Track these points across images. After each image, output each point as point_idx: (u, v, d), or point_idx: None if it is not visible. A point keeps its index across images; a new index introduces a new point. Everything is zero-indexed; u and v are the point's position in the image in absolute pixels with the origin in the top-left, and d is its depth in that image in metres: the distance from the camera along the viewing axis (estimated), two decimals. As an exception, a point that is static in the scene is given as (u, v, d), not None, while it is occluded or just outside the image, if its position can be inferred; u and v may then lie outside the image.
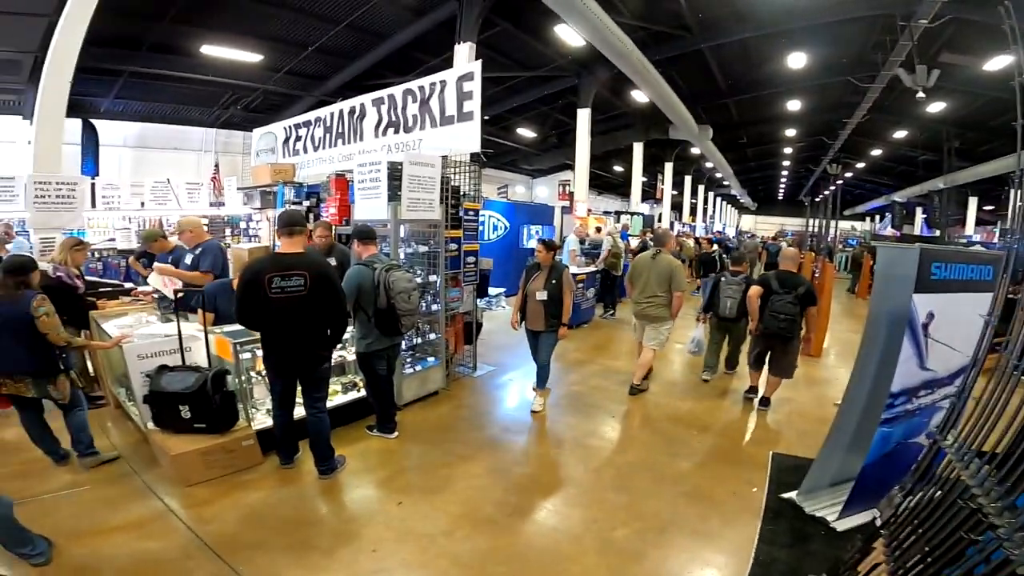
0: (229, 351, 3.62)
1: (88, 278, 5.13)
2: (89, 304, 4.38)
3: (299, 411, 3.67)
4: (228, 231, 8.91)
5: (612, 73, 11.66)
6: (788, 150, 23.77)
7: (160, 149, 12.75)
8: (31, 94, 10.01)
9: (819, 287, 7.17)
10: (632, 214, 16.90)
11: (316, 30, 9.99)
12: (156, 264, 4.68)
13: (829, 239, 11.28)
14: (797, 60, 11.59)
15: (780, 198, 42.36)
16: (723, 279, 5.73)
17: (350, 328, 3.89)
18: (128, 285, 5.27)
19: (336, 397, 4.34)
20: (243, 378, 3.75)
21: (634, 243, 11.64)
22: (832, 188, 13.81)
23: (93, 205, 8.78)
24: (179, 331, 3.64)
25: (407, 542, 2.88)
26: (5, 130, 10.85)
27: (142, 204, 8.78)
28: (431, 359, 5.08)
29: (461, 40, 9.36)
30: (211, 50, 10.08)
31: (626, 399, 5.22)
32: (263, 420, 3.82)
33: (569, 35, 9.91)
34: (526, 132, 18.65)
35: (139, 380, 3.56)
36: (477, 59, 6.71)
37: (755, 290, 4.89)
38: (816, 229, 12.16)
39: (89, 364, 4.54)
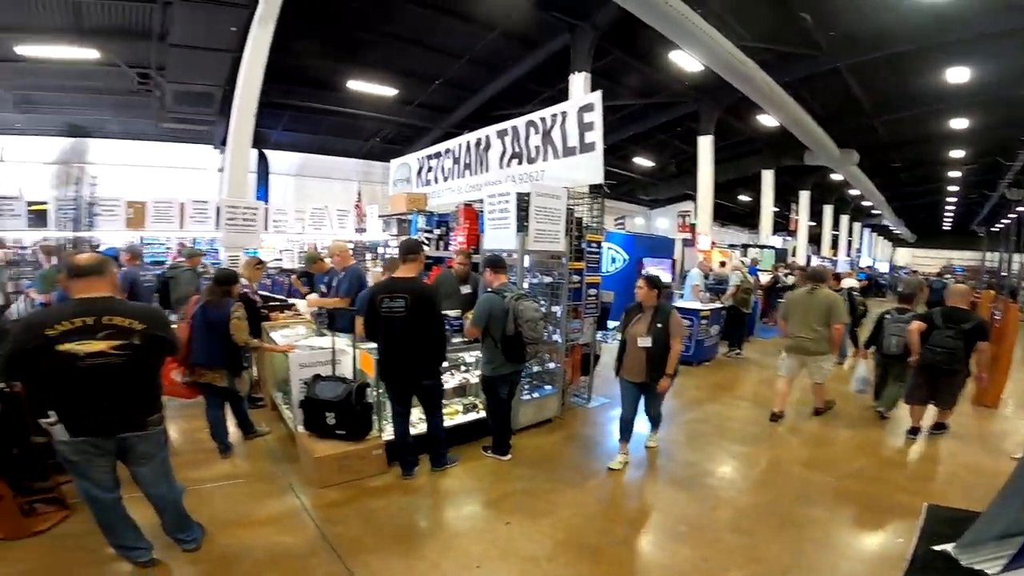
0: (372, 366, 3.96)
1: (260, 292, 5.93)
2: (263, 316, 5.07)
3: (423, 427, 4.01)
4: (368, 255, 9.84)
5: (735, 97, 11.15)
6: (954, 173, 20.58)
7: (315, 178, 14.52)
8: (221, 125, 11.85)
9: (1000, 331, 6.19)
10: (762, 247, 15.76)
11: (442, 64, 10.71)
12: (308, 298, 5.36)
13: (1011, 275, 9.56)
14: (958, 75, 10.21)
15: (946, 228, 36.89)
16: (888, 316, 5.32)
17: (476, 353, 4.10)
18: (291, 301, 6.02)
19: (456, 416, 4.57)
20: (379, 391, 4.09)
21: (765, 278, 10.83)
22: (1013, 216, 11.72)
23: (265, 228, 10.18)
24: (332, 346, 4.09)
25: (511, 562, 2.94)
26: (197, 158, 12.96)
27: (303, 228, 10.05)
28: (548, 387, 5.17)
29: (576, 70, 9.54)
30: (355, 85, 11.22)
31: (750, 438, 4.93)
32: (391, 433, 4.07)
33: (686, 61, 9.71)
34: (643, 161, 18.36)
35: (298, 386, 4.03)
36: (594, 88, 6.72)
37: (916, 325, 4.66)
38: (994, 264, 10.37)
39: (254, 369, 5.21)
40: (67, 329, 2.27)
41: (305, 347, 4.37)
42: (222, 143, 12.74)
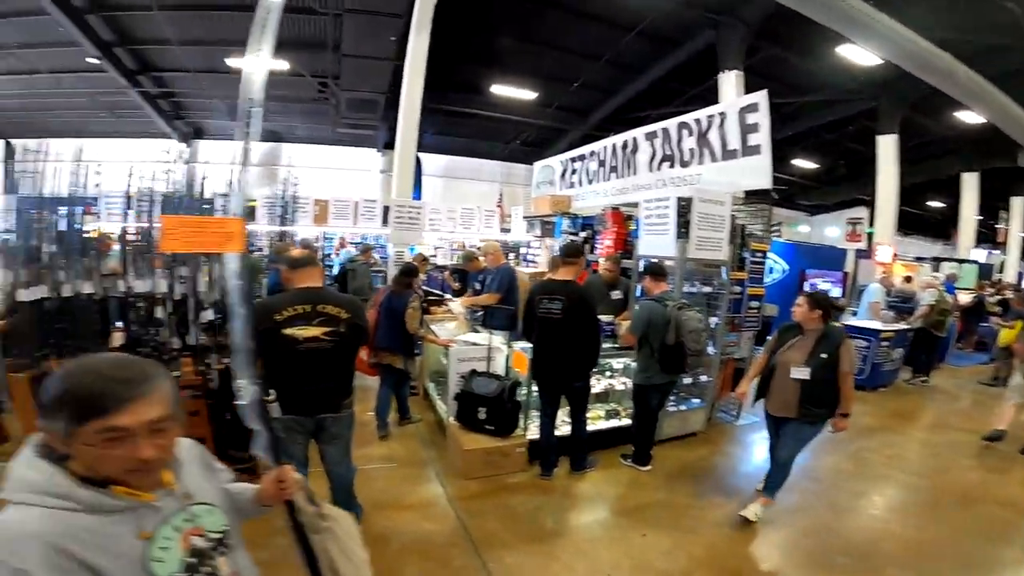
0: (524, 366, 4.08)
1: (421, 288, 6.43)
2: (425, 310, 5.46)
3: (564, 430, 4.03)
4: (511, 255, 10.14)
5: (923, 92, 9.52)
6: None
7: (462, 179, 15.39)
8: (383, 129, 13.08)
9: None
10: (961, 261, 13.35)
11: (580, 67, 10.63)
12: (462, 299, 5.63)
13: None
14: None
15: None
16: None
17: (625, 359, 4.02)
18: (447, 296, 6.43)
19: (598, 422, 4.53)
20: (528, 390, 4.19)
21: (965, 298, 9.15)
22: None
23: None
24: (489, 343, 4.29)
25: (643, 574, 2.87)
26: (362, 160, 14.41)
27: (454, 227, 10.74)
28: (696, 400, 4.92)
29: (725, 68, 8.87)
30: (498, 89, 11.53)
31: (930, 470, 4.41)
32: (534, 432, 4.16)
33: (859, 55, 8.55)
34: (804, 163, 16.59)
35: (455, 380, 4.26)
36: (747, 87, 6.19)
37: None
38: None
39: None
40: (291, 315, 2.58)
41: (462, 342, 4.61)
42: (384, 146, 14.19)
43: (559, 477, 3.93)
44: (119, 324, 3.41)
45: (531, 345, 3.87)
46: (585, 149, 7.99)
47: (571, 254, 3.81)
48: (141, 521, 0.95)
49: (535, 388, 4.03)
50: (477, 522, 3.31)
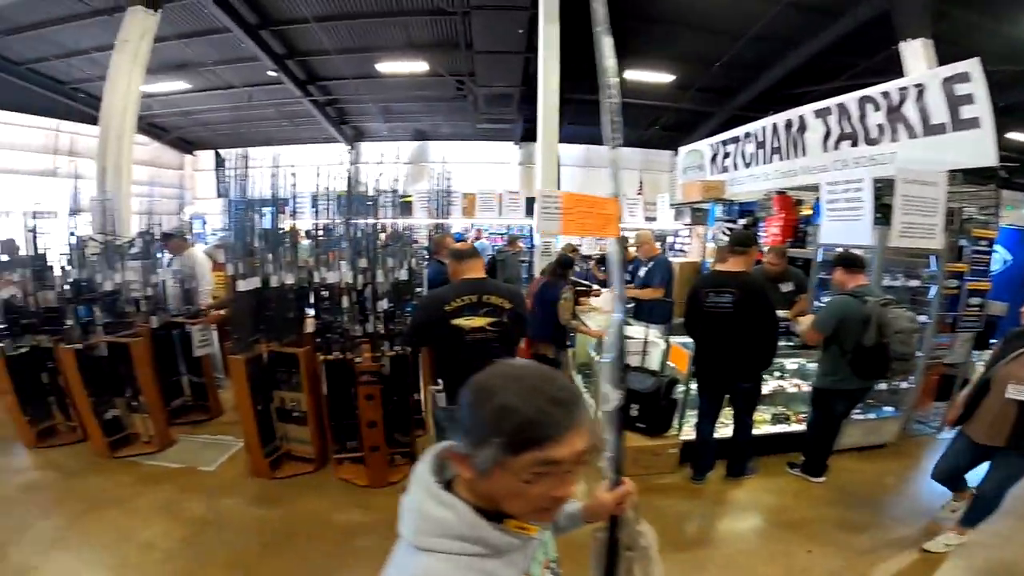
0: (684, 361, 3.84)
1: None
2: (577, 300, 5.42)
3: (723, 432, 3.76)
4: (658, 245, 9.68)
5: None
6: None
7: (599, 168, 14.99)
8: (519, 122, 13.29)
9: None
10: None
11: (721, 45, 9.79)
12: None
13: None
14: None
15: None
16: None
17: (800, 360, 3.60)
18: (595, 287, 6.32)
19: (762, 426, 4.15)
20: (687, 388, 3.95)
21: None
22: None
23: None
24: (645, 336, 4.11)
25: None
26: (501, 153, 14.78)
27: None
28: (888, 409, 4.31)
29: (907, 37, 7.59)
30: (631, 74, 11.05)
31: None
32: (688, 433, 3.95)
33: None
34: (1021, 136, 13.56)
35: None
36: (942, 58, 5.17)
37: None
38: None
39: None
40: (458, 305, 2.65)
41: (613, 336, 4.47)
42: (521, 139, 14.45)
43: (712, 482, 3.70)
44: (311, 312, 3.82)
45: (693, 341, 3.63)
46: (739, 131, 7.35)
47: (742, 243, 3.49)
48: (521, 559, 0.84)
49: (693, 386, 3.80)
50: (620, 523, 3.22)
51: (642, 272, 5.14)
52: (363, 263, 3.71)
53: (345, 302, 3.57)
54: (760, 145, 6.85)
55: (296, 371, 3.68)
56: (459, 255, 2.86)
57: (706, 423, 3.67)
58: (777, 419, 4.29)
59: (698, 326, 3.52)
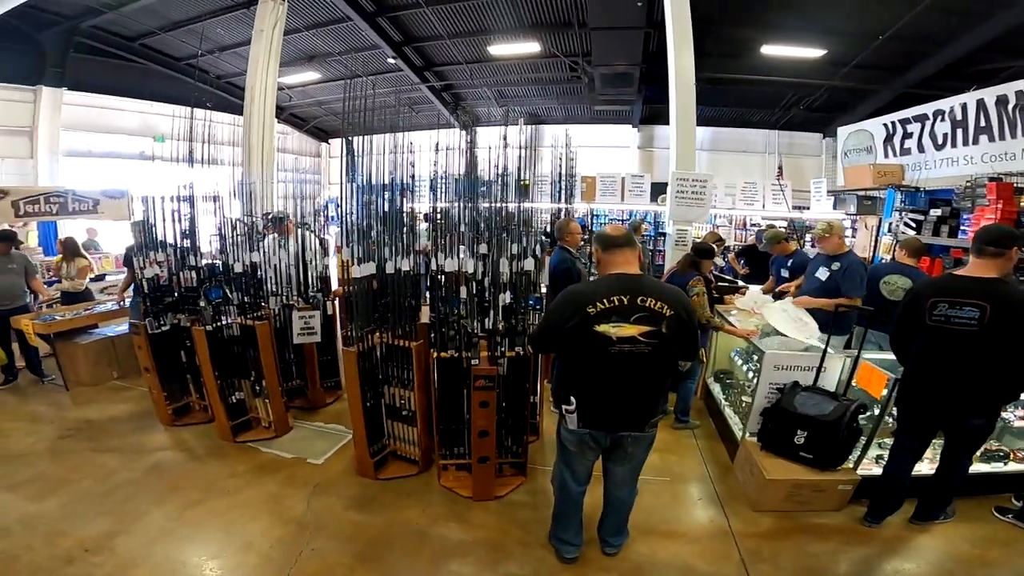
0: (880, 386, 3.05)
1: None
2: (716, 298, 4.70)
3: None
4: (807, 237, 8.57)
5: None
6: None
7: (728, 152, 13.62)
8: (639, 103, 12.40)
9: None
10: None
11: (886, 16, 8.09)
12: (794, 299, 4.23)
13: None
14: None
15: None
16: None
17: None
18: (740, 284, 5.48)
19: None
20: (879, 417, 3.15)
21: None
22: None
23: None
24: (824, 350, 3.31)
25: None
26: (618, 137, 13.93)
27: (733, 203, 9.53)
28: None
29: None
30: (771, 49, 9.83)
31: None
32: (865, 466, 3.22)
33: None
34: None
35: (766, 390, 3.43)
36: None
37: None
38: None
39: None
40: (605, 308, 2.13)
41: (780, 344, 3.70)
42: (641, 121, 13.50)
43: (890, 525, 2.97)
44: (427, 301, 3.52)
45: (904, 361, 2.84)
46: (925, 108, 6.12)
47: (997, 241, 2.54)
48: None
49: (891, 415, 3.05)
50: (764, 569, 2.65)
51: (823, 273, 4.15)
52: (482, 249, 3.31)
53: (463, 293, 3.18)
54: (959, 124, 5.59)
55: (409, 367, 3.41)
56: (608, 242, 2.32)
57: (905, 462, 2.91)
58: (991, 457, 3.33)
59: (918, 344, 2.70)
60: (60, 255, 6.22)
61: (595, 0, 8.44)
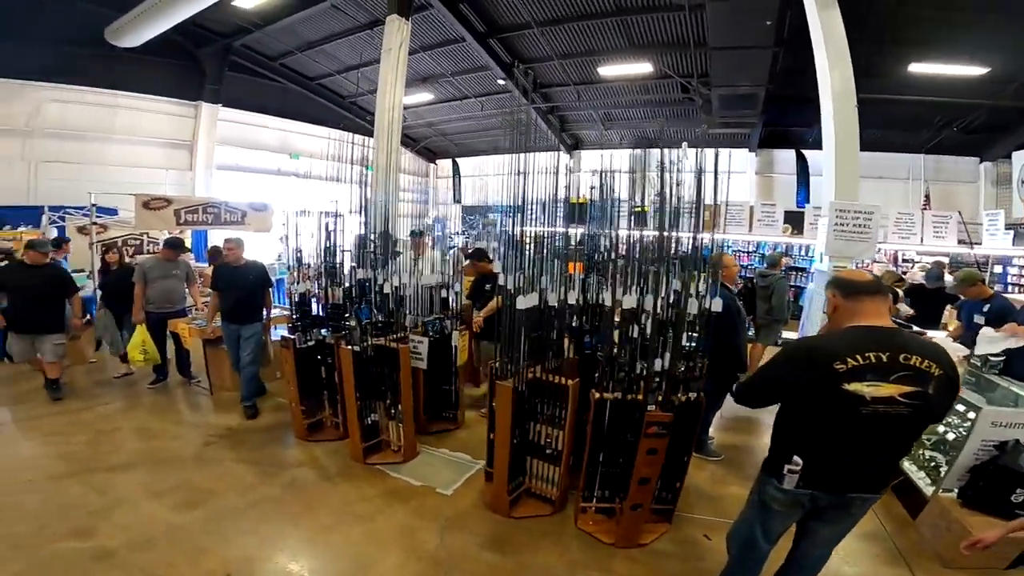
0: None
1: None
2: None
3: None
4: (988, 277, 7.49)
5: None
6: None
7: (864, 178, 12.44)
8: (759, 127, 11.69)
9: None
10: None
11: None
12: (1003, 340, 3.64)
13: None
14: None
15: None
16: None
17: None
18: (914, 328, 4.71)
19: None
20: None
21: None
22: None
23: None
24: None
25: None
26: (733, 162, 13.13)
27: (884, 236, 8.61)
28: None
29: None
30: (921, 67, 8.96)
31: None
32: None
33: None
34: None
35: (976, 446, 3.06)
36: None
37: None
38: None
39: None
40: (859, 365, 1.81)
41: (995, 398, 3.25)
42: (759, 145, 12.68)
43: None
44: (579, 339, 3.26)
45: None
46: None
47: None
48: None
49: None
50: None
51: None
52: (676, 284, 2.99)
53: (634, 332, 2.88)
54: None
55: (561, 404, 3.15)
56: (853, 288, 1.99)
57: None
58: None
59: None
60: (210, 263, 6.66)
61: (718, 19, 8.03)
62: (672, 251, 3.05)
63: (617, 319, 2.98)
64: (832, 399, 1.85)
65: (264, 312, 4.93)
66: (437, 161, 18.09)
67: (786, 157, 12.52)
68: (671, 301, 2.93)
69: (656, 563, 2.94)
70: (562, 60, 10.98)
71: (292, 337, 4.14)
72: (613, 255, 3.50)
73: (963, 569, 2.90)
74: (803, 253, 9.84)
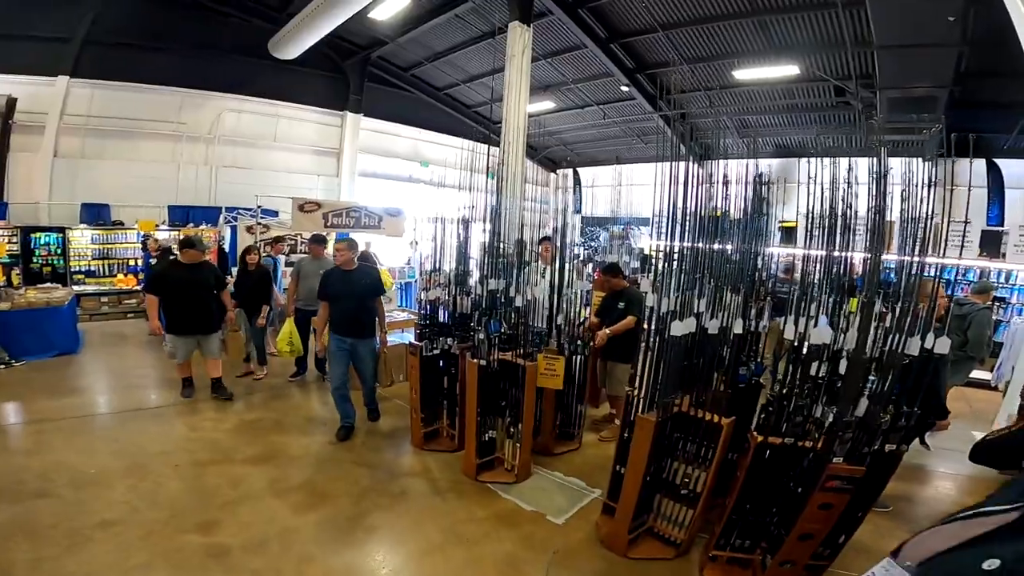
0: None
1: None
2: None
3: None
4: None
5: None
6: None
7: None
8: (938, 134, 10.15)
9: None
10: None
11: None
12: None
13: None
14: None
15: None
16: None
17: None
18: None
19: None
20: None
21: None
22: None
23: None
24: None
25: None
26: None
27: None
28: None
29: None
30: None
31: None
32: None
33: None
34: None
35: None
36: None
37: None
38: None
39: None
40: None
41: None
42: (938, 154, 10.87)
43: None
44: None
45: None
46: None
47: None
48: None
49: None
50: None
51: None
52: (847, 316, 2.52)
53: (813, 369, 2.41)
54: None
55: (708, 443, 2.75)
56: None
57: None
58: None
59: None
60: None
61: (888, 15, 7.05)
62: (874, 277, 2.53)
63: (783, 350, 2.53)
64: None
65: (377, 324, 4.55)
66: (557, 171, 18.03)
67: (975, 168, 10.56)
68: (875, 337, 2.42)
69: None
70: (691, 63, 10.34)
71: (420, 344, 4.12)
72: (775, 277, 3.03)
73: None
74: (1002, 279, 8.36)
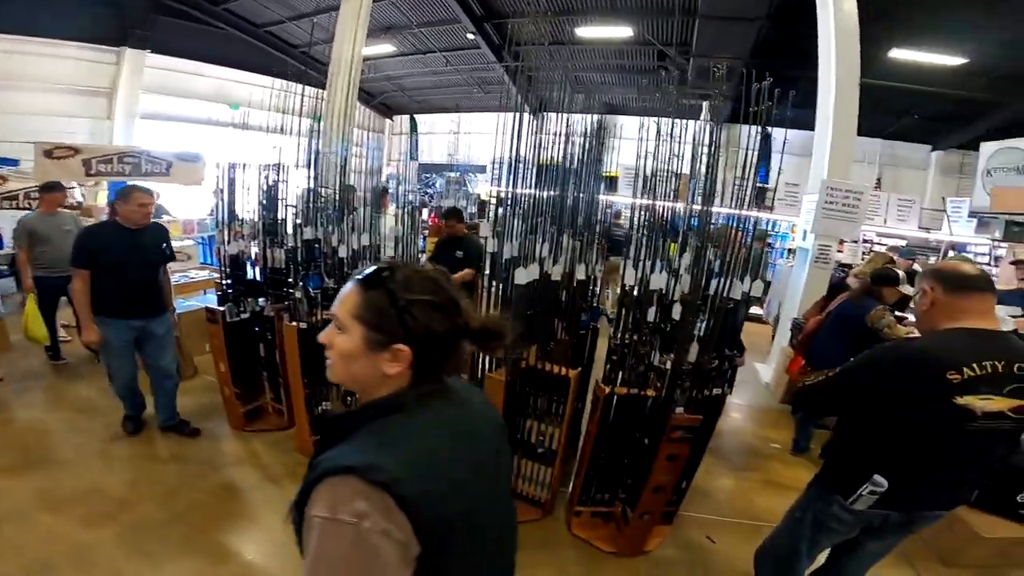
0: None
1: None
2: None
3: None
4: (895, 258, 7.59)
5: None
6: None
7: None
8: (730, 101, 11.59)
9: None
10: None
11: None
12: None
13: None
14: None
15: None
16: None
17: None
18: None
19: None
20: None
21: None
22: None
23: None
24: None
25: None
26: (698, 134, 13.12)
27: (884, 221, 8.52)
28: None
29: None
30: (901, 54, 8.78)
31: None
32: None
33: None
34: None
35: None
36: None
37: None
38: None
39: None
40: (975, 376, 1.52)
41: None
42: (726, 120, 12.51)
43: None
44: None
45: None
46: None
47: None
48: None
49: None
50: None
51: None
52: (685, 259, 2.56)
53: (650, 315, 2.40)
54: None
55: (558, 398, 2.66)
56: (961, 282, 1.64)
57: None
58: None
59: None
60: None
61: None
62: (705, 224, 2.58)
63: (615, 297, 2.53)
64: (939, 413, 1.56)
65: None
66: (394, 117, 17.05)
67: (749, 134, 12.48)
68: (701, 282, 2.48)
69: (663, 573, 2.67)
70: (538, 17, 10.33)
71: (221, 309, 3.37)
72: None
73: (969, 567, 2.88)
74: (771, 228, 9.77)
